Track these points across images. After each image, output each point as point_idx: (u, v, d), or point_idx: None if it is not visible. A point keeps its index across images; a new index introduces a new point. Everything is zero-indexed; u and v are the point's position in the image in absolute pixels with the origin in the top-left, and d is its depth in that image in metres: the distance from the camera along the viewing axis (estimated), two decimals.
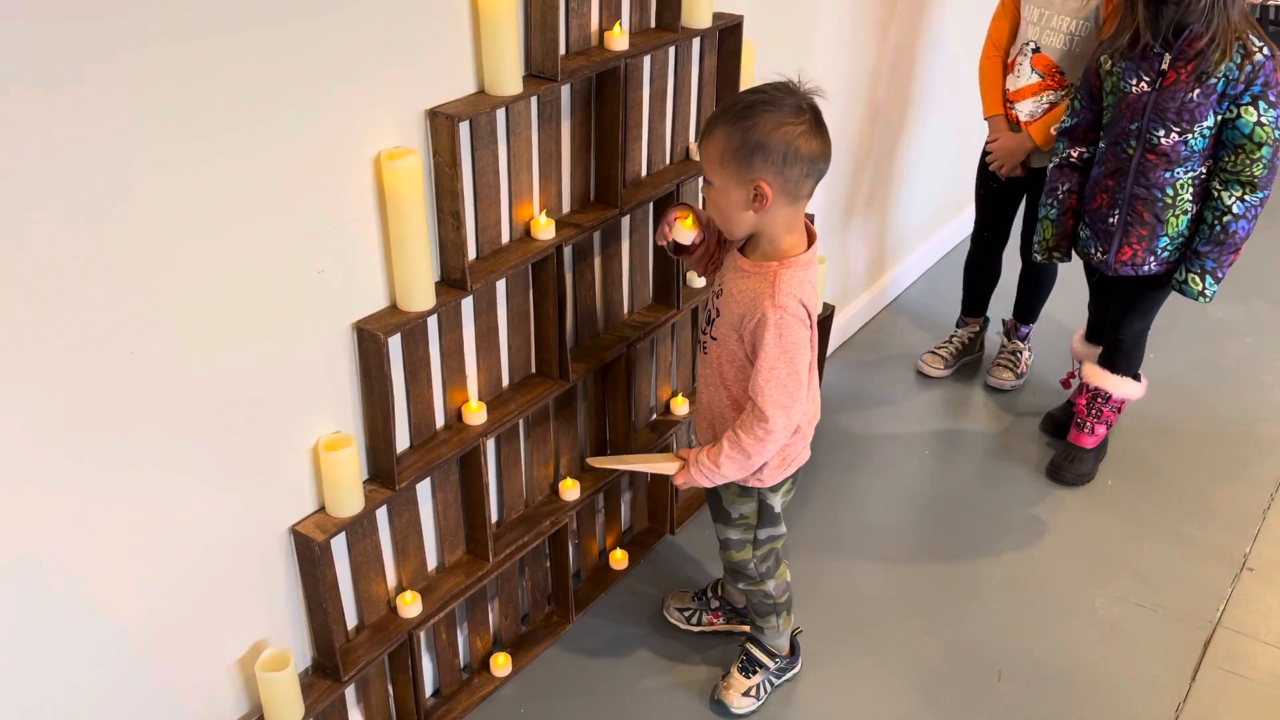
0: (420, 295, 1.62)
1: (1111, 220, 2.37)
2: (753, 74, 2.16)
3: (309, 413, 1.59)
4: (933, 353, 3.08)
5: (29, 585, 1.32)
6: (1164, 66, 2.19)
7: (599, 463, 1.88)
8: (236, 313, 1.43)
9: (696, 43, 2.04)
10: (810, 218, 1.70)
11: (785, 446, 1.80)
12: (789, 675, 2.12)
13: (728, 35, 2.05)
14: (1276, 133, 2.16)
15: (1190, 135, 2.21)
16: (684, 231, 1.77)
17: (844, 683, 2.14)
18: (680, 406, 2.33)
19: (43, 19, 1.11)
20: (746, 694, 2.05)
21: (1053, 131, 2.52)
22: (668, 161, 2.10)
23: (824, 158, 1.61)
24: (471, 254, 1.74)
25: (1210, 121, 2.19)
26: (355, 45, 1.43)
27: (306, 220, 1.47)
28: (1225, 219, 2.25)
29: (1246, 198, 2.23)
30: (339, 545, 1.71)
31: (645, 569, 2.38)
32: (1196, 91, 2.16)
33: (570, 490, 2.09)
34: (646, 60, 1.93)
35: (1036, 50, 2.56)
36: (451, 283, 1.69)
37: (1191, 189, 2.28)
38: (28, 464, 1.26)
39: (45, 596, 1.34)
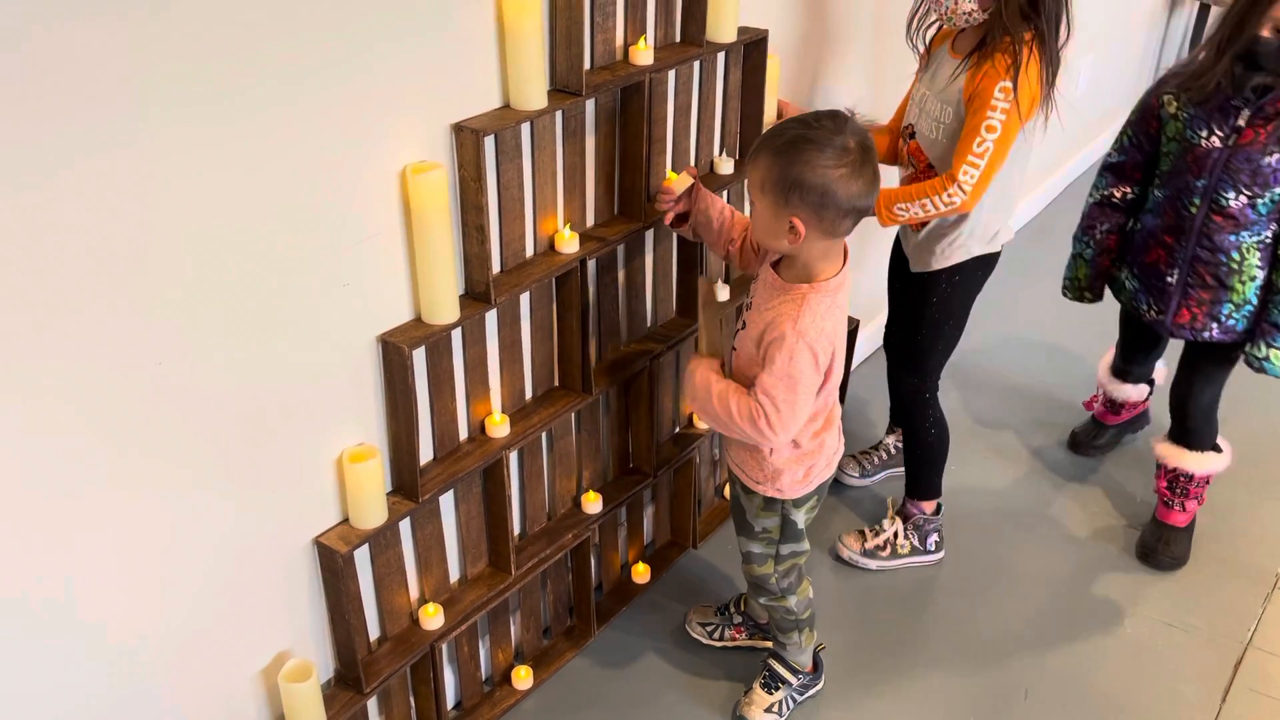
0: (445, 308, 1.63)
1: (1170, 280, 2.17)
2: (776, 88, 2.16)
3: (333, 425, 1.60)
4: (852, 457, 2.67)
5: (54, 594, 1.33)
6: (1240, 123, 1.99)
7: (705, 288, 1.85)
8: (263, 326, 1.44)
9: (721, 57, 2.04)
10: None
11: (806, 455, 1.79)
12: (812, 692, 2.10)
13: (752, 49, 2.05)
14: None
15: (1261, 199, 2.03)
16: (679, 181, 1.80)
17: (868, 700, 2.12)
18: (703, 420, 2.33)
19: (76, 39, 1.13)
20: (769, 710, 2.04)
21: (897, 213, 2.03)
22: None
23: (864, 197, 1.58)
24: (496, 267, 1.75)
25: None
26: (380, 59, 1.44)
27: (332, 234, 1.48)
28: None
29: None
30: (362, 557, 1.72)
31: (667, 583, 2.37)
32: (1276, 155, 1.98)
33: (593, 503, 2.09)
34: (671, 75, 1.93)
35: (912, 135, 2.12)
36: (476, 296, 1.69)
37: (1259, 253, 2.09)
38: (55, 474, 1.28)
39: (69, 605, 1.35)
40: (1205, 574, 2.42)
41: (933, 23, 2.05)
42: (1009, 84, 1.85)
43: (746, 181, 1.66)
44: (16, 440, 1.23)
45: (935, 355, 2.25)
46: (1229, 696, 2.13)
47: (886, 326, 2.43)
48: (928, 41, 2.08)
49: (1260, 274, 2.10)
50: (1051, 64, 1.89)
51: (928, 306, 2.18)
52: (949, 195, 1.95)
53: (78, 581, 1.35)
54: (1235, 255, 2.08)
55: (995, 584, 2.40)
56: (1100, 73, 4.12)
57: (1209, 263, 2.11)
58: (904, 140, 2.15)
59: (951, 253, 2.11)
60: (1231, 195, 2.03)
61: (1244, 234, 2.07)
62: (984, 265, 2.15)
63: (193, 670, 1.54)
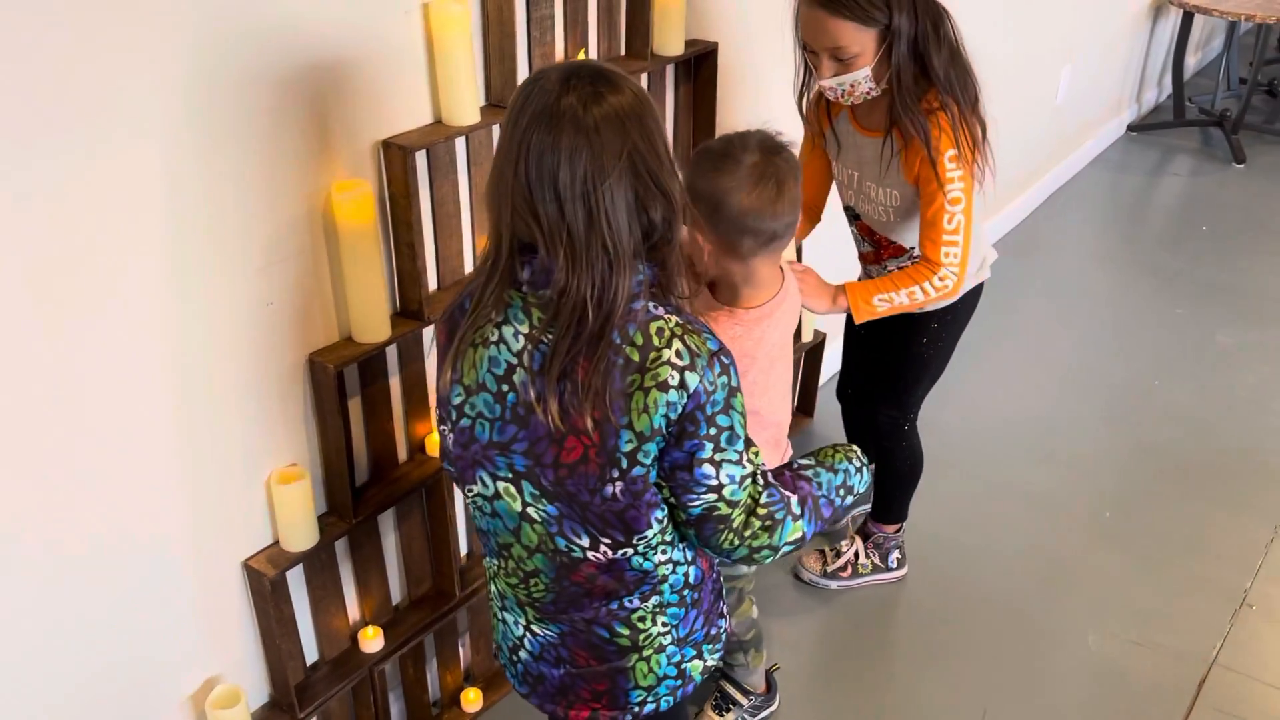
0: (375, 326, 1.60)
1: None
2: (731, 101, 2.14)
3: (263, 446, 1.58)
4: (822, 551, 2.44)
5: None
6: None
7: None
8: (185, 345, 1.42)
9: (670, 70, 2.02)
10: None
11: None
12: (765, 713, 2.07)
13: (702, 62, 2.03)
14: None
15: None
16: None
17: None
18: None
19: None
20: None
21: (878, 305, 1.85)
22: None
23: (761, 215, 1.47)
24: (433, 284, 1.72)
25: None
26: (308, 77, 1.42)
27: (252, 253, 1.46)
28: None
29: None
30: (297, 579, 1.69)
31: None
32: None
33: None
34: None
35: (856, 217, 2.01)
36: (409, 314, 1.67)
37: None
38: None
39: None
40: (1172, 590, 2.38)
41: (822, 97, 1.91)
42: (954, 151, 1.74)
43: None
44: None
45: (920, 390, 2.17)
46: (1191, 716, 2.09)
47: (843, 374, 2.36)
48: (823, 115, 1.95)
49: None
50: (968, 124, 1.76)
51: (918, 345, 2.07)
52: (940, 280, 1.82)
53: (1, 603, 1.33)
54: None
55: (957, 601, 2.36)
56: (1080, 81, 4.09)
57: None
58: (849, 220, 2.05)
59: None
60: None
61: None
62: (974, 296, 2.05)
63: (119, 696, 1.52)
